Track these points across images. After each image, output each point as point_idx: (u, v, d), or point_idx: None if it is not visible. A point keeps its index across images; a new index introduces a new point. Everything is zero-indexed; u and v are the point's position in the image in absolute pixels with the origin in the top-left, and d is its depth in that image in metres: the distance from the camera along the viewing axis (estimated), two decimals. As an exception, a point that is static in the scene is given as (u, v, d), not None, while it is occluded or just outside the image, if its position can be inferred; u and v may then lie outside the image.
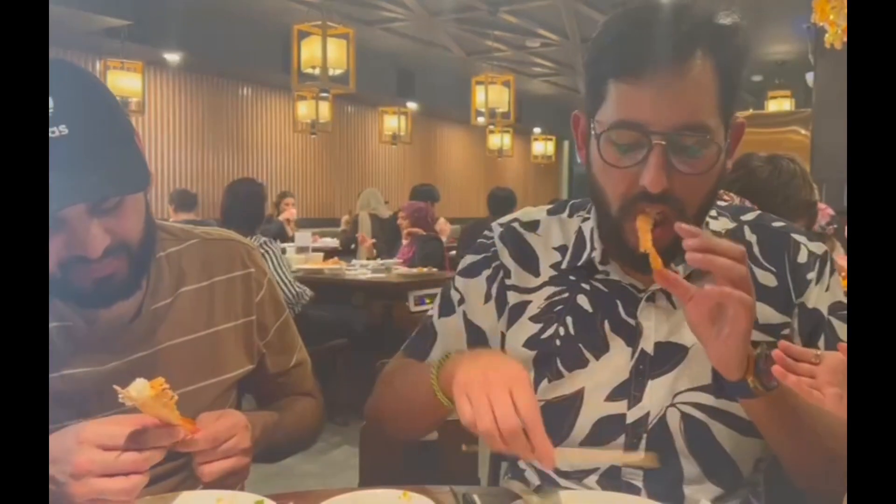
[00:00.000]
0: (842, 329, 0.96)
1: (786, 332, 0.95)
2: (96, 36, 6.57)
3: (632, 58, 0.82)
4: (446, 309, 1.05)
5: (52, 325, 0.94)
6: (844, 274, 2.61)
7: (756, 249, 0.96)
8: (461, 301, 1.04)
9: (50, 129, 0.79)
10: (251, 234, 3.52)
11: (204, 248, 1.06)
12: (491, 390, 0.77)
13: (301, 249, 5.21)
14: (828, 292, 0.96)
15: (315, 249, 5.57)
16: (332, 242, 6.71)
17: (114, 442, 0.78)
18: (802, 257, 0.97)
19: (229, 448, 0.88)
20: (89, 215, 0.84)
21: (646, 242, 0.82)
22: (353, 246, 6.09)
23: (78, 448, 0.77)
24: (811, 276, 0.96)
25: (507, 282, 1.01)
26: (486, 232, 1.06)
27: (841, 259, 2.58)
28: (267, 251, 3.50)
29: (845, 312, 0.96)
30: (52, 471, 0.78)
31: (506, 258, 1.02)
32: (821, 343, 0.95)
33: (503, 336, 1.01)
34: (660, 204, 0.84)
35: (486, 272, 1.03)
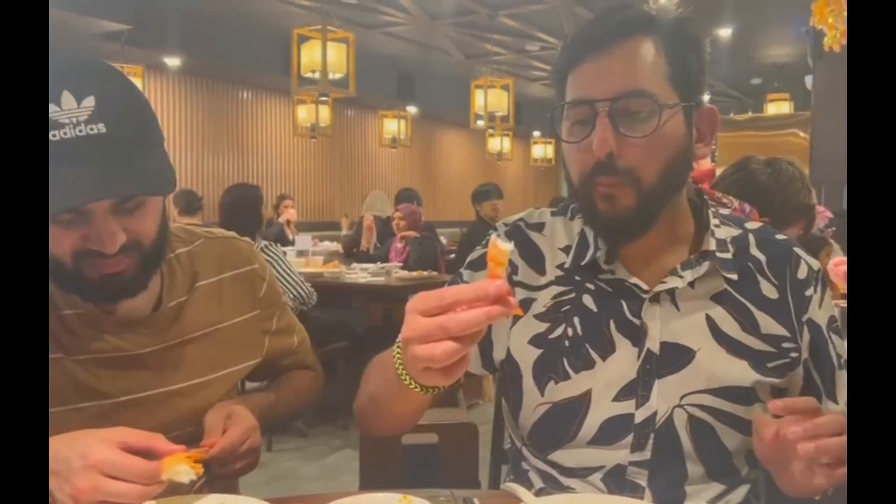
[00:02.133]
0: (839, 343, 1.00)
1: (786, 344, 0.96)
2: (96, 40, 6.58)
3: (578, 48, 0.92)
4: None
5: (69, 312, 0.96)
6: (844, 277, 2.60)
7: (765, 265, 0.99)
8: None
9: (88, 127, 0.82)
10: (251, 238, 3.52)
11: (210, 247, 1.10)
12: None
13: (301, 253, 5.21)
14: (825, 309, 0.99)
15: (315, 253, 5.57)
16: (331, 246, 6.71)
17: (121, 473, 0.77)
18: (802, 273, 0.99)
19: (244, 452, 0.94)
20: (112, 213, 0.86)
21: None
22: (354, 249, 6.10)
23: (83, 472, 0.76)
24: (810, 292, 0.98)
25: (514, 277, 1.01)
26: (492, 231, 1.07)
27: (839, 262, 2.58)
28: (270, 255, 3.51)
29: (838, 325, 1.01)
30: (51, 484, 0.76)
31: (513, 255, 1.02)
32: (832, 354, 0.98)
33: (509, 331, 1.01)
34: (611, 175, 0.89)
35: None
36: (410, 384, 0.79)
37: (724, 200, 1.63)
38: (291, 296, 3.54)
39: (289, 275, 3.54)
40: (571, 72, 0.93)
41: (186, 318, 1.03)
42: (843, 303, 2.12)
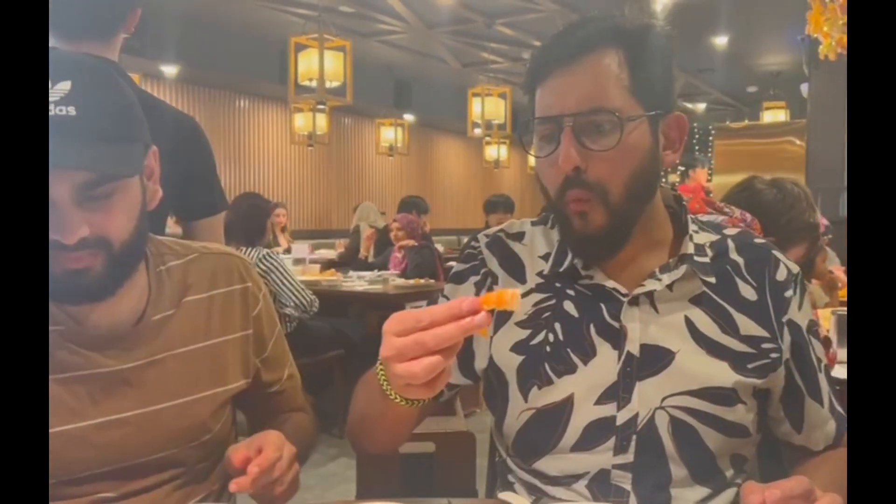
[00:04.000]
0: (818, 347, 1.01)
1: (766, 345, 0.96)
2: (93, 48, 6.58)
3: (543, 65, 0.94)
4: None
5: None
6: (843, 284, 2.59)
7: (743, 268, 1.00)
8: None
9: (58, 108, 0.83)
10: (252, 247, 3.56)
11: (203, 262, 1.07)
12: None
13: (298, 261, 5.21)
14: (804, 312, 1.00)
15: (312, 261, 5.57)
16: (329, 254, 6.71)
17: None
18: (781, 275, 1.00)
19: (285, 467, 0.90)
20: (72, 202, 0.85)
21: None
22: (353, 257, 6.11)
23: None
24: (789, 293, 0.99)
25: (496, 287, 1.02)
26: (473, 242, 1.08)
27: (837, 269, 2.59)
28: (271, 263, 3.52)
29: (817, 329, 1.02)
30: None
31: (493, 266, 1.04)
32: (812, 356, 0.99)
33: (490, 340, 1.02)
34: (579, 188, 0.91)
35: (475, 278, 1.05)
36: (395, 398, 0.81)
37: (726, 210, 1.63)
38: (293, 303, 3.54)
39: (290, 282, 3.55)
40: (538, 87, 0.95)
41: (171, 332, 1.00)
42: (843, 309, 2.12)
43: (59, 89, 0.84)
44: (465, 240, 1.10)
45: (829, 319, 2.01)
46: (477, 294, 1.01)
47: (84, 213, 0.85)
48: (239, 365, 1.06)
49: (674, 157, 0.98)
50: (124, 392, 0.96)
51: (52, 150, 0.79)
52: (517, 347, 0.99)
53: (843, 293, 2.52)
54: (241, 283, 1.08)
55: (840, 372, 1.67)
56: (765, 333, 0.97)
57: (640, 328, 0.96)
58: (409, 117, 10.15)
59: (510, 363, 0.99)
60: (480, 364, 1.02)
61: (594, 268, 0.98)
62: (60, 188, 0.83)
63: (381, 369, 0.82)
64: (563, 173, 0.91)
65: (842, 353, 1.89)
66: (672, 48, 0.96)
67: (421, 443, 1.75)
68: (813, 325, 1.01)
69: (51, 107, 0.82)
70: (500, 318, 1.01)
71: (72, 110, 0.83)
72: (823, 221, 2.23)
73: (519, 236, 1.06)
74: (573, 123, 0.90)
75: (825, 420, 1.01)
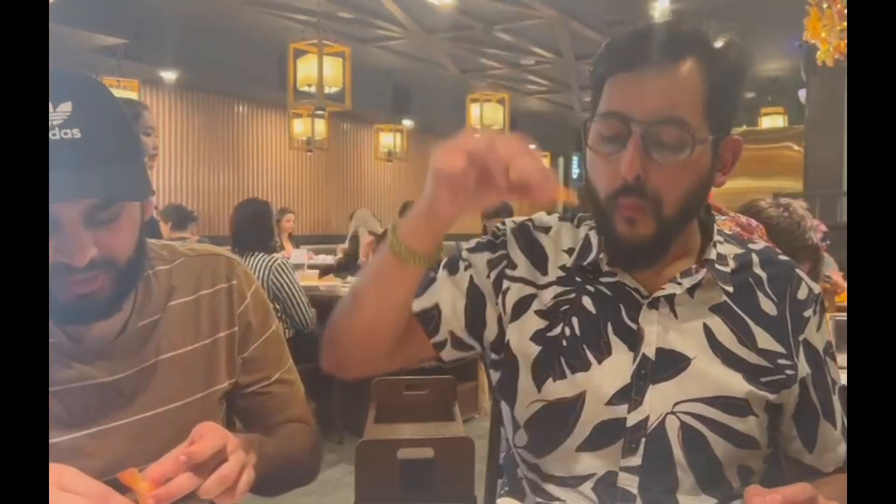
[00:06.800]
0: (833, 368, 1.01)
1: (782, 361, 0.96)
2: (93, 54, 6.60)
3: (623, 57, 0.91)
4: (452, 268, 1.06)
5: None
6: (842, 290, 2.59)
7: (765, 282, 1.00)
8: (468, 267, 1.05)
9: (63, 132, 0.81)
10: (263, 251, 3.61)
11: (189, 265, 1.07)
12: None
13: (296, 267, 5.21)
14: (822, 332, 1.01)
15: (311, 266, 5.57)
16: (328, 259, 6.73)
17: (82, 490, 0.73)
18: (802, 294, 1.00)
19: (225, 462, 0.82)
20: (82, 224, 0.84)
21: None
22: (352, 262, 6.12)
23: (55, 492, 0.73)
24: (808, 313, 0.99)
25: (509, 272, 1.02)
26: (499, 225, 1.08)
27: (835, 274, 2.59)
28: (285, 275, 3.56)
29: (834, 351, 1.02)
30: None
31: (514, 251, 1.04)
32: (828, 377, 0.99)
33: (500, 318, 1.01)
34: (636, 196, 0.90)
35: (489, 255, 1.04)
36: (406, 256, 0.90)
37: (731, 213, 1.63)
38: (295, 317, 3.58)
39: (297, 298, 3.57)
40: (611, 77, 0.92)
41: (159, 338, 0.99)
42: (842, 315, 2.12)
43: (61, 111, 0.81)
44: (463, 244, 1.10)
45: (828, 324, 2.01)
46: (489, 270, 1.03)
47: (92, 234, 0.84)
48: (225, 364, 1.05)
49: (723, 179, 0.96)
50: (117, 401, 0.95)
51: (61, 177, 0.78)
52: (536, 337, 0.99)
53: (841, 298, 2.53)
54: (226, 282, 1.07)
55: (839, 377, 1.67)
56: (781, 349, 0.96)
57: (657, 332, 0.95)
58: (407, 123, 10.17)
59: (527, 352, 0.99)
60: (490, 336, 1.01)
61: (618, 266, 0.97)
62: (69, 212, 0.82)
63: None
64: (621, 179, 0.89)
65: (841, 359, 1.89)
66: (750, 66, 0.94)
67: (420, 448, 1.75)
68: (830, 347, 1.01)
69: (54, 130, 0.80)
70: (522, 305, 1.01)
71: (77, 133, 0.81)
72: (822, 227, 2.24)
73: (546, 229, 1.06)
74: (644, 132, 0.87)
75: (837, 442, 1.00)
